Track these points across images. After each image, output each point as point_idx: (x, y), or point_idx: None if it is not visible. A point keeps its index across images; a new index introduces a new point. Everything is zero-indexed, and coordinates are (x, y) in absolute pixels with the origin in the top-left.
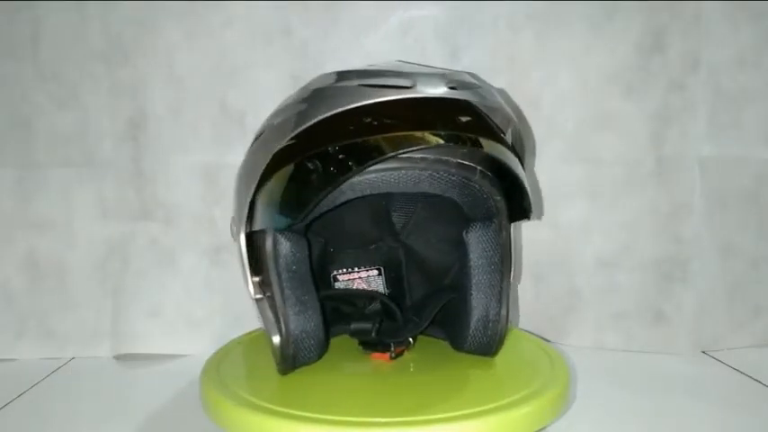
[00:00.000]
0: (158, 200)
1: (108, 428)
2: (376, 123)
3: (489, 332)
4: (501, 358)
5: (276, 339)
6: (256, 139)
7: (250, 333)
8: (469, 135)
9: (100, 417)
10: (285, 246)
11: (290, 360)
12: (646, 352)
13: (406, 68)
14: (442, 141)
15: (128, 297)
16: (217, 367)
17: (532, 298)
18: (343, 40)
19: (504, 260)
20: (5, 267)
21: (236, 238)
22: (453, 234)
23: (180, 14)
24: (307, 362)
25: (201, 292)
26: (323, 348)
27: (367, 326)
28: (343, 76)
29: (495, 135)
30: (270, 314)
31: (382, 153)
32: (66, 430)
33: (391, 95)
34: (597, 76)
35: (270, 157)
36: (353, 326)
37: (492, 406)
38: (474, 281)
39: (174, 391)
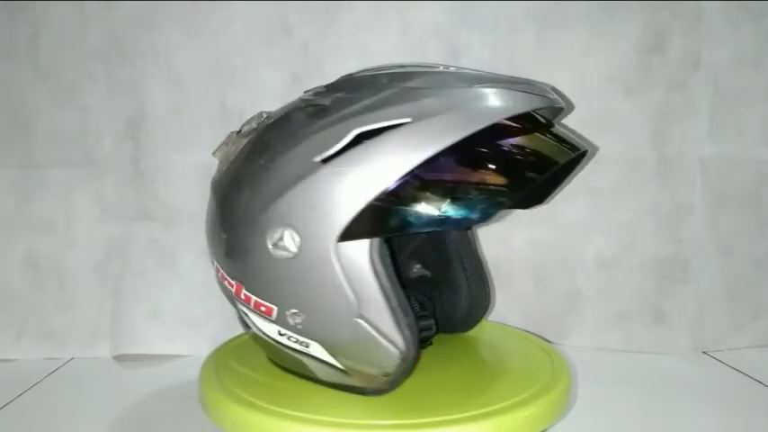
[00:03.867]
0: (158, 200)
1: (108, 428)
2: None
3: (482, 311)
4: (502, 359)
5: (399, 351)
6: (368, 135)
7: (249, 333)
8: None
9: (100, 417)
10: (385, 252)
11: (410, 371)
12: (646, 352)
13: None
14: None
15: (127, 297)
16: (216, 367)
17: (532, 298)
18: (343, 40)
19: (476, 246)
20: (5, 267)
21: (311, 251)
22: None
23: (180, 14)
24: None
25: (201, 292)
26: None
27: (429, 322)
28: (460, 78)
29: None
30: (383, 328)
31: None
32: (66, 430)
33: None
34: (598, 76)
35: (430, 153)
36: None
37: (494, 408)
38: (466, 269)
39: (173, 391)
